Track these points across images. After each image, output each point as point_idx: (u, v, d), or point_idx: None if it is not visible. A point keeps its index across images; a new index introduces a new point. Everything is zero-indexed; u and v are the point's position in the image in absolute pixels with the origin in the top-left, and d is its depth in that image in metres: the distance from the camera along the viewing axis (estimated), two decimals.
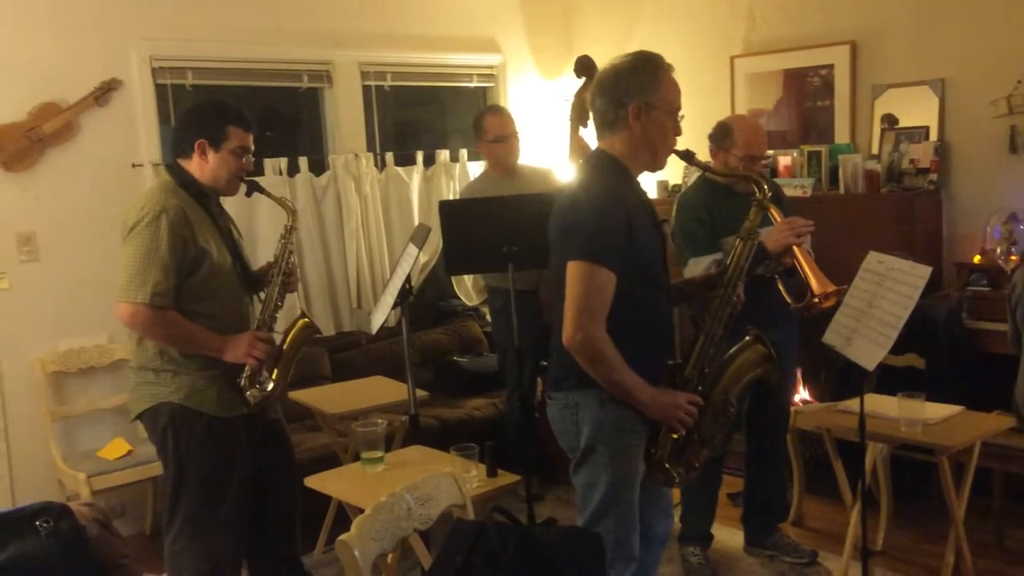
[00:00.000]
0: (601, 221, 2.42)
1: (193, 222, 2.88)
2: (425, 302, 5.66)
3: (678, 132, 2.57)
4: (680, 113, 2.57)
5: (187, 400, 2.89)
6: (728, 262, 2.63)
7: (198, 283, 2.89)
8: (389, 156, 5.33)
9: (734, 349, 2.62)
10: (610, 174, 2.52)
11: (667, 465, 2.57)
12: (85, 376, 4.35)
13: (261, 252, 4.43)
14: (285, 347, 3.06)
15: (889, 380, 3.92)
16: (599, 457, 2.53)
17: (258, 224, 4.73)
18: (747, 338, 2.63)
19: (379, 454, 3.15)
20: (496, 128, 4.52)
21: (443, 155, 5.54)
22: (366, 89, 5.29)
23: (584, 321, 2.40)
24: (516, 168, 4.58)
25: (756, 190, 2.65)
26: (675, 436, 2.55)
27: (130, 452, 4.16)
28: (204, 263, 2.89)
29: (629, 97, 2.48)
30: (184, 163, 2.99)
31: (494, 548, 2.10)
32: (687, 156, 2.61)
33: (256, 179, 3.32)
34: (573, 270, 2.43)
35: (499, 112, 4.66)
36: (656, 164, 2.60)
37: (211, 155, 2.96)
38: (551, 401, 2.62)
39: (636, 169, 2.58)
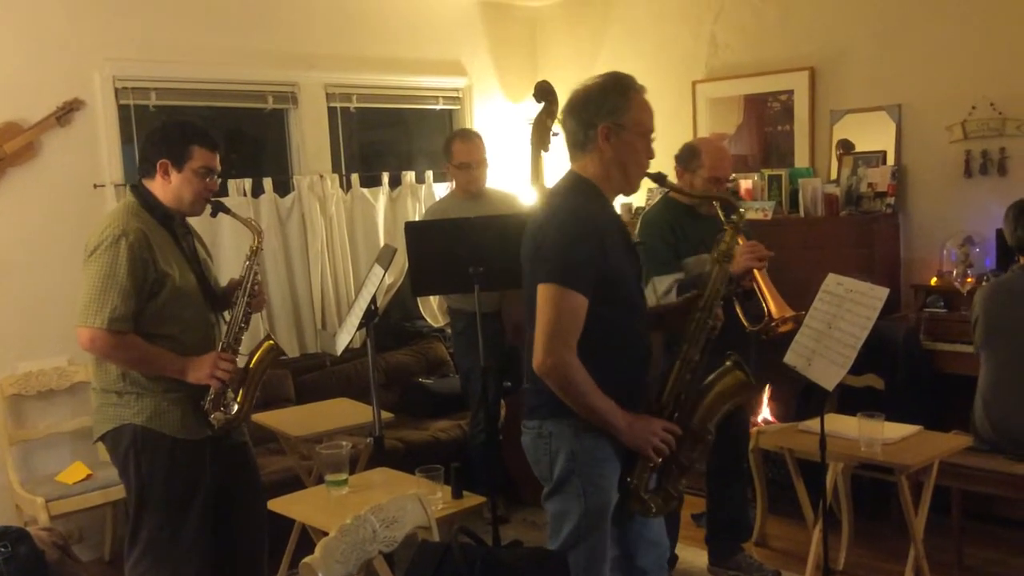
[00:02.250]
0: (573, 244, 2.37)
1: (155, 245, 2.85)
2: (390, 323, 5.65)
3: (651, 155, 2.52)
4: (652, 135, 2.51)
5: (150, 422, 2.86)
6: (706, 287, 2.55)
7: (160, 306, 2.86)
8: (355, 177, 5.34)
9: (713, 376, 2.55)
10: (582, 196, 2.47)
11: (644, 496, 2.51)
12: (44, 399, 4.29)
13: (224, 272, 4.39)
14: (250, 368, 3.04)
15: (849, 400, 3.97)
16: (573, 488, 2.46)
17: (221, 244, 4.69)
18: (727, 363, 2.57)
19: (343, 476, 3.13)
20: (462, 154, 4.50)
21: (409, 176, 5.55)
22: (332, 110, 5.30)
23: (554, 346, 2.35)
24: (482, 192, 4.59)
25: (733, 214, 2.61)
26: (651, 465, 2.49)
27: (89, 476, 4.09)
28: (166, 286, 2.86)
29: (599, 118, 2.44)
30: (148, 183, 2.96)
31: (459, 569, 2.10)
32: (659, 178, 2.56)
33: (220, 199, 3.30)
34: (543, 293, 2.37)
35: (468, 138, 4.59)
36: (630, 187, 2.55)
37: (174, 175, 2.92)
38: (525, 430, 2.55)
39: (610, 191, 2.53)
